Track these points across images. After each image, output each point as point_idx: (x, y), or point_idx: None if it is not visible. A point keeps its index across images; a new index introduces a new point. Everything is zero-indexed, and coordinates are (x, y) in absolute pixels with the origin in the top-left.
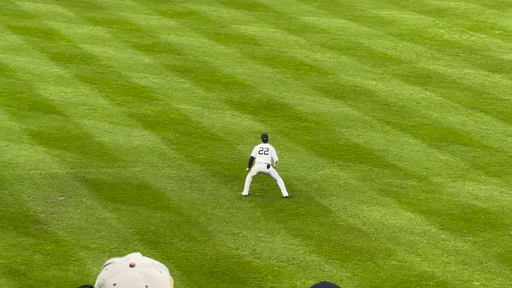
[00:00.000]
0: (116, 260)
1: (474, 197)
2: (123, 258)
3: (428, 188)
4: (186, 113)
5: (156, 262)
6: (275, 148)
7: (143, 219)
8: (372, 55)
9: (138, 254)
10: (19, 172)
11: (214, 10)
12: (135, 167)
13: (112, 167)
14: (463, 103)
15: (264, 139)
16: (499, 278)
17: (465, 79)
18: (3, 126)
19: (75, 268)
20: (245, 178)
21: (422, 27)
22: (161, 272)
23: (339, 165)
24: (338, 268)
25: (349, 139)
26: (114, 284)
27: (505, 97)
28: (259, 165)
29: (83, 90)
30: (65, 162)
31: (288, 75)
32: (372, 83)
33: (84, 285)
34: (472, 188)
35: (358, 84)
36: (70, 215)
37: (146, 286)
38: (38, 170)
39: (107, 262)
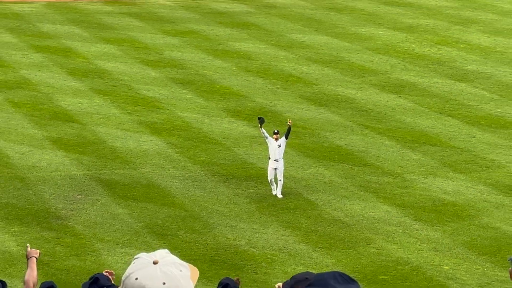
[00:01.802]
0: (143, 256)
1: (443, 191)
2: (151, 254)
3: (402, 184)
4: (188, 120)
5: (178, 261)
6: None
7: (151, 214)
8: (352, 67)
9: (165, 251)
10: (42, 174)
11: (212, 29)
12: (144, 168)
13: (124, 168)
14: (432, 109)
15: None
16: (466, 263)
17: (434, 88)
18: (27, 134)
19: (92, 258)
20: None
21: (396, 42)
22: (180, 270)
23: (324, 165)
24: (324, 255)
25: (333, 141)
26: (136, 278)
27: (469, 103)
28: None
29: (97, 101)
30: (82, 165)
31: (278, 86)
32: (352, 91)
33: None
34: (441, 183)
35: (340, 93)
36: (87, 212)
37: (164, 283)
38: (59, 172)
39: (136, 256)
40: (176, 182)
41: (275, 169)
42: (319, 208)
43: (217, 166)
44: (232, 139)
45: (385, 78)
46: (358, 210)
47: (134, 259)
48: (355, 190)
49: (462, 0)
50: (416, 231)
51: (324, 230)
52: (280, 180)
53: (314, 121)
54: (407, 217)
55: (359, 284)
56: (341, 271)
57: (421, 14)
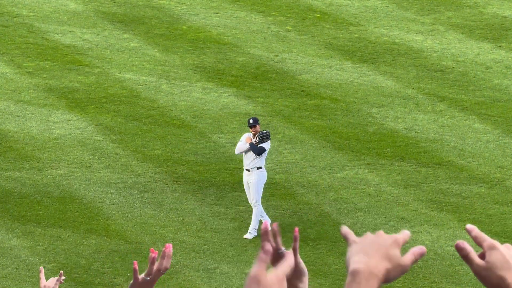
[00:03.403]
0: None
1: None
2: None
3: (503, 197)
4: (133, 86)
5: None
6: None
7: (69, 248)
8: None
9: None
10: None
11: None
12: (57, 169)
13: (21, 169)
14: None
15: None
16: None
17: None
18: None
19: None
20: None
21: None
22: None
23: (368, 164)
24: None
25: (383, 123)
26: None
27: None
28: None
29: None
30: None
31: (289, 28)
32: (417, 38)
33: None
34: None
35: (396, 40)
36: None
37: None
38: None
39: None
40: (112, 193)
41: (248, 184)
42: None
43: (183, 165)
44: (208, 118)
45: (474, 14)
46: (428, 242)
47: None
48: (422, 208)
49: None
50: None
51: None
52: (254, 202)
53: (351, 89)
54: None
55: None
56: None
57: None
